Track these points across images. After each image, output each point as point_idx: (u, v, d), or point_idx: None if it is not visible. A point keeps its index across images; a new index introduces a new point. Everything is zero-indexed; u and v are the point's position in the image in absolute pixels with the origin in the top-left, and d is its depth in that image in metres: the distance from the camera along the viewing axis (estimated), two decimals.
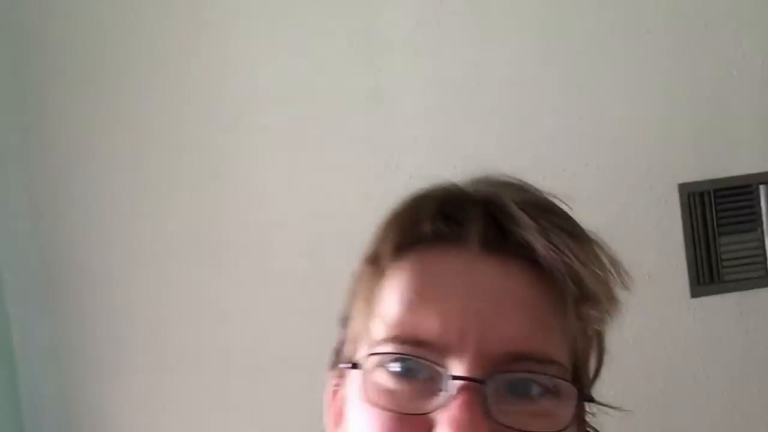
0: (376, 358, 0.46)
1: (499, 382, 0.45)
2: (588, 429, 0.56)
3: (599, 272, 0.49)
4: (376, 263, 0.50)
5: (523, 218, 0.49)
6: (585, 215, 1.68)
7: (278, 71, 1.63)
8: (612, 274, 0.51)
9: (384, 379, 0.47)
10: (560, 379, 0.47)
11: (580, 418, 0.53)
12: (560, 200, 0.55)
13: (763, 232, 1.60)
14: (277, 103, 1.62)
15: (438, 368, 0.45)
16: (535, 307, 0.47)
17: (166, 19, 1.65)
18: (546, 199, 0.55)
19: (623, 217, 1.59)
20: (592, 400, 0.53)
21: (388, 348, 0.46)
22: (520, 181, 0.56)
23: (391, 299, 0.48)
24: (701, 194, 1.59)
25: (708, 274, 1.59)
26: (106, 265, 1.65)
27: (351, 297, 0.52)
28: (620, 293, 0.53)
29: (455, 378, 0.44)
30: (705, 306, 1.59)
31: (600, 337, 0.54)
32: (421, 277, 0.47)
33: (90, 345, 1.63)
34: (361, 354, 0.48)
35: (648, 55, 1.60)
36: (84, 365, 1.64)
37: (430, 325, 0.45)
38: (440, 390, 0.45)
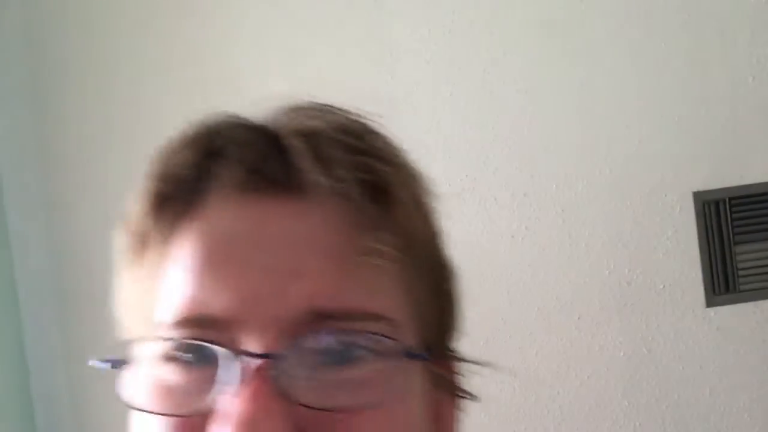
0: (148, 348, 0.38)
1: (303, 351, 0.34)
2: (458, 393, 0.44)
3: (409, 196, 0.38)
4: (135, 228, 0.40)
5: (310, 148, 0.37)
6: (599, 222, 1.68)
7: (289, 79, 1.64)
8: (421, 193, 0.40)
9: (163, 374, 0.37)
10: (379, 335, 0.35)
11: (437, 381, 0.41)
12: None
13: None
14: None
15: (218, 348, 0.35)
16: (342, 252, 0.35)
17: (177, 25, 1.66)
18: (351, 123, 0.43)
19: (637, 225, 1.58)
20: (440, 356, 0.41)
21: (165, 335, 0.37)
22: (326, 106, 0.44)
23: (168, 274, 0.37)
24: (716, 203, 1.58)
25: (724, 283, 1.57)
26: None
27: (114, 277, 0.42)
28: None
29: (240, 354, 0.34)
30: (721, 316, 1.57)
31: (441, 278, 0.42)
32: (192, 243, 0.37)
33: (101, 349, 1.63)
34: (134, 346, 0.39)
35: (663, 63, 1.59)
36: (96, 372, 1.64)
37: (208, 300, 0.35)
38: (223, 376, 0.34)
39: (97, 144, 1.65)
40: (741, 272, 1.58)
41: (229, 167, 0.37)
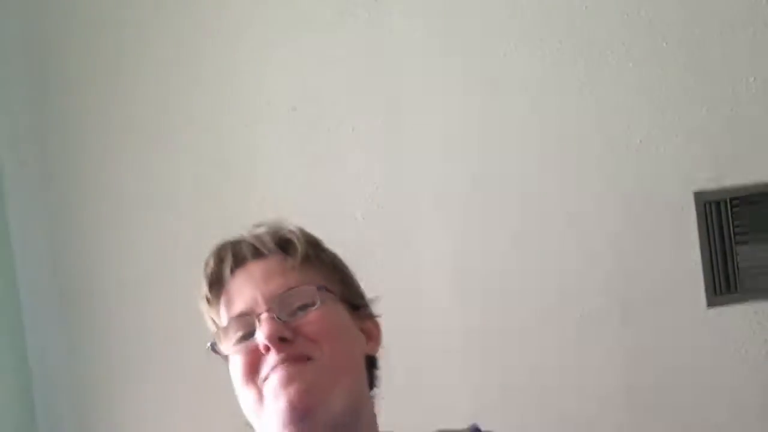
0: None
1: (280, 305, 0.79)
2: (373, 320, 0.88)
3: (297, 240, 0.85)
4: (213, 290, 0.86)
5: (259, 239, 0.86)
6: (600, 223, 1.66)
7: (289, 79, 1.64)
8: (301, 237, 0.85)
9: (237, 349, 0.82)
10: (304, 286, 0.81)
11: (360, 314, 0.86)
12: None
13: None
14: (290, 111, 1.62)
15: (249, 317, 0.80)
16: (278, 270, 0.82)
17: (179, 26, 1.66)
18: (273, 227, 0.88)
19: (638, 225, 1.58)
20: (356, 304, 0.86)
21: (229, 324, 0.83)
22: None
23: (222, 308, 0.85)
24: (717, 203, 1.58)
25: (725, 283, 1.57)
26: (120, 274, 1.66)
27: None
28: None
29: (257, 315, 0.79)
30: (722, 316, 1.57)
31: (339, 273, 0.87)
32: (229, 291, 0.84)
33: (104, 353, 1.64)
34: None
35: (664, 63, 1.59)
36: (98, 374, 1.64)
37: (238, 307, 0.82)
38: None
39: (97, 153, 1.65)
40: (742, 272, 1.58)
41: (232, 259, 0.85)
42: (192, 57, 1.66)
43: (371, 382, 0.85)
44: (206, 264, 0.86)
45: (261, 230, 0.86)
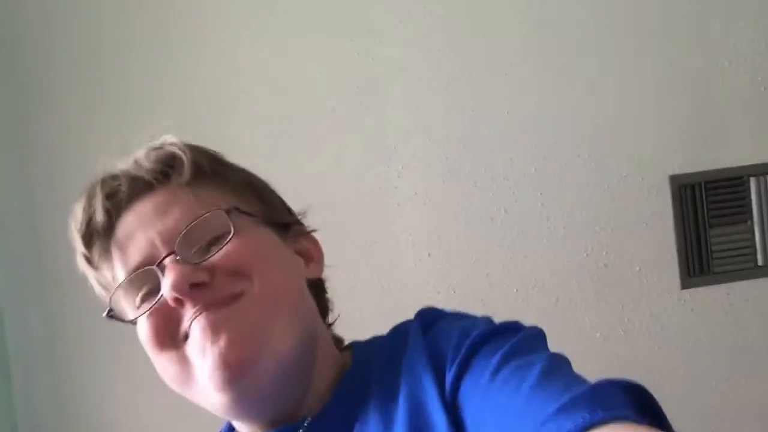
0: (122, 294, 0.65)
1: (184, 244, 0.62)
2: (309, 237, 0.72)
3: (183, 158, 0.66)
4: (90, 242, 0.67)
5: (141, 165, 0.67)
6: (577, 205, 1.68)
7: (271, 61, 1.63)
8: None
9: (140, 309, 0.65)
10: (210, 213, 0.63)
11: (293, 233, 0.70)
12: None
13: (753, 223, 1.61)
14: (269, 93, 1.62)
15: (150, 267, 0.63)
16: (172, 199, 0.64)
17: (165, 15, 1.64)
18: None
19: (614, 208, 1.60)
20: (285, 222, 0.70)
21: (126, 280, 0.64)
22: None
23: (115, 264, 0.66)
24: (692, 186, 1.60)
25: (698, 265, 1.60)
26: None
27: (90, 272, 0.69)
28: None
29: (160, 263, 0.62)
30: (695, 297, 1.60)
31: (255, 188, 0.70)
32: (118, 242, 0.66)
33: (85, 344, 1.62)
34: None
35: (640, 48, 1.61)
36: (79, 364, 1.63)
37: (135, 258, 0.64)
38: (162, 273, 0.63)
39: (79, 138, 1.63)
40: (715, 255, 1.60)
41: (109, 203, 0.66)
42: (171, 40, 1.64)
43: (322, 310, 0.70)
44: (74, 216, 0.67)
45: (138, 155, 0.67)
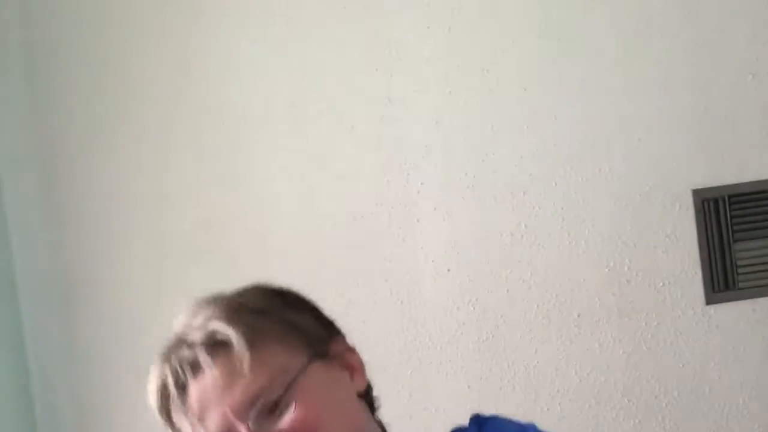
0: None
1: (253, 414, 0.71)
2: (349, 349, 0.78)
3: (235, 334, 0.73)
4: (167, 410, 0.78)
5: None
6: (598, 220, 1.67)
7: (290, 78, 1.64)
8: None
9: None
10: (269, 384, 0.72)
11: (334, 354, 0.76)
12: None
13: None
14: (289, 109, 1.62)
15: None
16: (231, 371, 0.73)
17: (178, 26, 1.66)
18: None
19: (637, 223, 1.58)
20: (328, 344, 0.76)
21: None
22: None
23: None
24: (716, 200, 1.58)
25: (723, 281, 1.58)
26: (118, 269, 1.66)
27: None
28: None
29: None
30: (720, 313, 1.58)
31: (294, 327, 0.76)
32: (193, 408, 0.75)
33: (102, 348, 1.64)
34: None
35: (663, 61, 1.60)
36: (96, 368, 1.64)
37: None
38: None
39: (99, 152, 1.65)
40: (740, 270, 1.58)
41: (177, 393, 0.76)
42: (190, 56, 1.65)
43: (371, 409, 0.80)
44: (150, 381, 0.79)
45: (194, 337, 0.76)
